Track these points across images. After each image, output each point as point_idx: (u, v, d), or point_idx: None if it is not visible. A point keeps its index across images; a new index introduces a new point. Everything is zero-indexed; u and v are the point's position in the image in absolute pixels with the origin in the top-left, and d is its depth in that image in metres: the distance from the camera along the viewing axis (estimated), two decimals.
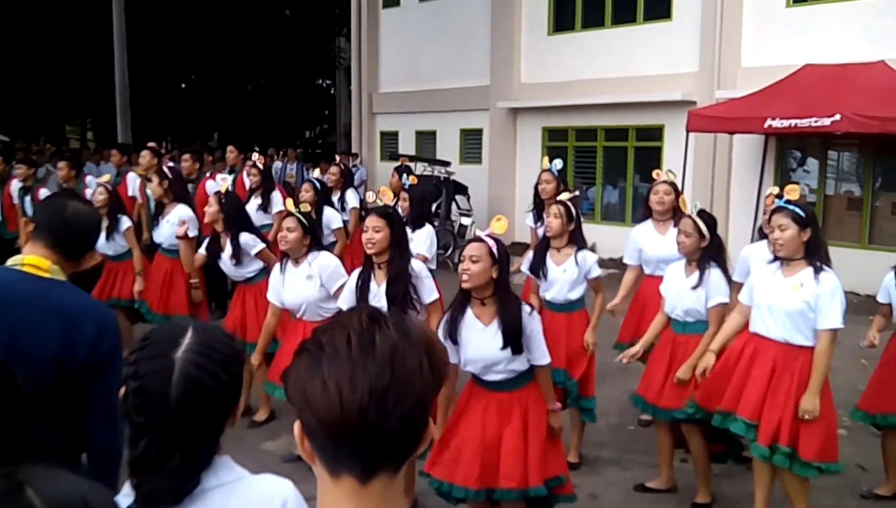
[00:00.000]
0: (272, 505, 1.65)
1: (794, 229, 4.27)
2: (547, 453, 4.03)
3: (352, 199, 8.43)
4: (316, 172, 8.19)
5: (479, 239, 3.93)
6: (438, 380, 1.21)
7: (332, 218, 7.85)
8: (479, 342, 3.92)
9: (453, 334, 3.97)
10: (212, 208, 6.17)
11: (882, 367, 5.09)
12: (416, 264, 4.75)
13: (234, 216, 6.19)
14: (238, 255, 6.09)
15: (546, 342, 4.08)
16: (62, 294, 2.56)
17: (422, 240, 6.43)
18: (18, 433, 1.71)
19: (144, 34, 22.15)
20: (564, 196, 5.53)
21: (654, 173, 6.30)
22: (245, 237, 6.11)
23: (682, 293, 4.90)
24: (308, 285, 5.27)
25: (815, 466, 4.28)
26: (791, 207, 4.32)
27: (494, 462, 3.97)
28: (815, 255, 4.29)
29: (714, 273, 4.82)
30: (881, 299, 5.15)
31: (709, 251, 4.86)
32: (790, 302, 4.27)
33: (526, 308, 3.97)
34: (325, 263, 5.28)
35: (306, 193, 7.56)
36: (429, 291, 4.71)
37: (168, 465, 1.54)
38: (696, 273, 4.84)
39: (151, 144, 9.88)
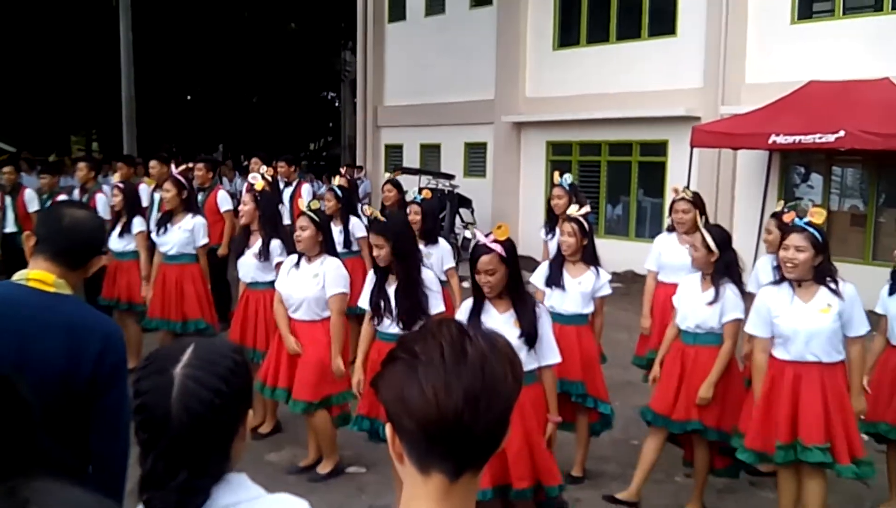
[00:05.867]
0: None
1: (811, 253, 4.28)
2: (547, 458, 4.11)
3: (358, 228, 7.75)
4: (336, 181, 8.03)
5: (486, 250, 4.02)
6: (518, 387, 1.32)
7: (356, 227, 7.70)
8: (497, 330, 3.95)
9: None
10: (248, 207, 6.21)
11: (874, 379, 5.10)
12: (427, 276, 4.83)
13: (269, 216, 6.29)
14: (267, 254, 6.14)
15: (561, 354, 4.19)
16: (68, 309, 2.56)
17: (447, 257, 6.57)
18: (22, 445, 1.71)
19: (151, 46, 22.24)
20: (573, 210, 5.55)
21: (672, 190, 6.37)
22: (275, 244, 6.16)
23: (697, 307, 4.90)
24: (312, 284, 5.35)
25: (867, 461, 4.41)
26: (811, 229, 4.32)
27: (503, 461, 3.98)
28: (826, 275, 4.34)
29: (729, 289, 4.82)
30: (879, 310, 5.17)
31: (721, 266, 4.86)
32: (823, 325, 4.31)
33: (540, 305, 4.13)
34: (332, 265, 5.37)
35: (328, 201, 7.53)
36: (434, 304, 4.78)
37: (175, 480, 1.54)
38: (712, 289, 4.84)
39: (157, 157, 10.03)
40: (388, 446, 1.33)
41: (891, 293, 5.06)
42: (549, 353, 4.13)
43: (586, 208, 5.60)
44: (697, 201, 6.04)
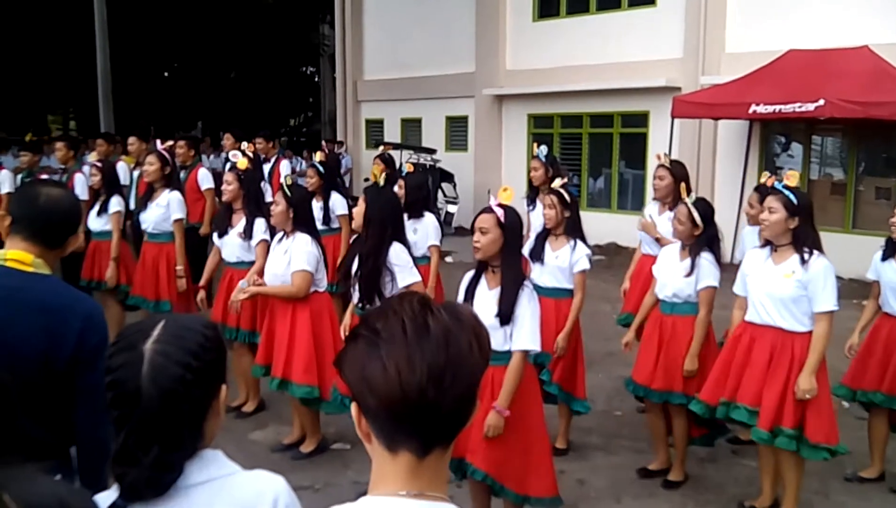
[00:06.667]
0: (263, 501, 1.64)
1: (783, 213, 4.31)
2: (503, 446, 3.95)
3: (339, 205, 7.71)
4: (318, 156, 7.94)
5: (488, 209, 3.96)
6: (486, 358, 1.30)
7: (337, 204, 7.62)
8: (481, 305, 3.93)
9: (469, 298, 4.01)
10: (231, 186, 6.15)
11: (865, 345, 5.17)
12: (394, 250, 4.69)
13: (253, 194, 6.23)
14: (250, 233, 6.09)
15: None
16: (47, 289, 2.54)
17: (432, 233, 6.49)
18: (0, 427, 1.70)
19: (127, 22, 21.94)
20: (557, 183, 5.54)
21: (656, 157, 6.40)
22: (259, 222, 6.08)
23: (674, 277, 4.96)
24: (281, 261, 5.31)
25: (824, 448, 4.34)
26: (786, 192, 4.34)
27: (464, 435, 3.93)
28: (803, 243, 4.32)
29: (704, 258, 4.86)
30: (870, 275, 5.24)
31: (701, 239, 4.91)
32: (783, 290, 4.32)
33: (528, 284, 3.96)
34: (299, 242, 5.28)
35: (310, 178, 7.47)
36: (402, 279, 4.65)
37: (147, 456, 1.54)
38: (688, 260, 4.90)
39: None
40: (355, 426, 1.30)
41: (884, 259, 5.11)
42: (524, 338, 3.86)
43: (560, 180, 5.59)
44: (677, 170, 6.04)
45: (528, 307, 3.89)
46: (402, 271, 4.66)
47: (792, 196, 4.32)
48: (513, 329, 3.88)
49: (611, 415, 6.36)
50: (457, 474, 4.11)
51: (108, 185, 7.35)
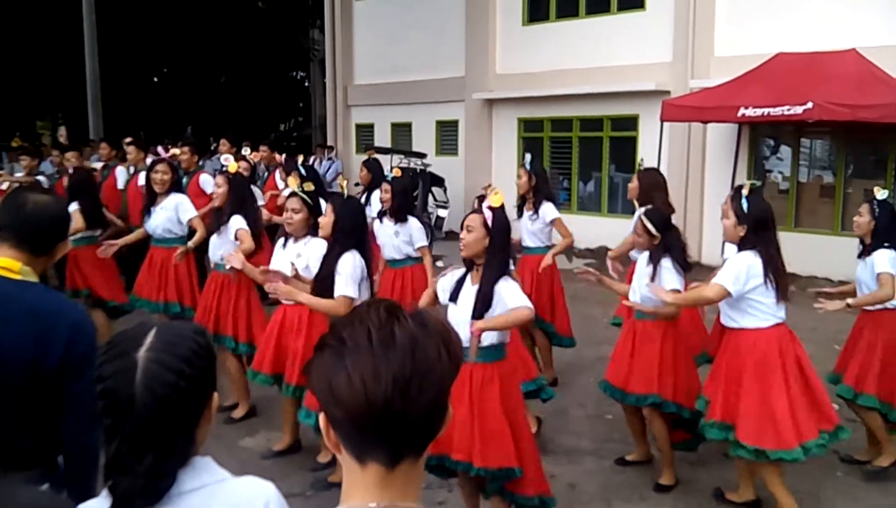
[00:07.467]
0: (254, 507, 1.64)
1: (733, 220, 4.47)
2: (495, 439, 3.97)
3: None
4: (302, 159, 8.00)
5: (477, 210, 4.09)
6: (456, 366, 1.28)
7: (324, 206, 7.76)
8: (463, 301, 4.05)
9: (454, 295, 4.11)
10: (221, 189, 6.13)
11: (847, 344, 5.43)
12: (346, 257, 4.69)
13: (238, 198, 6.18)
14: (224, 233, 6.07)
15: None
16: (35, 296, 2.53)
17: (418, 235, 6.53)
18: None
19: (115, 27, 21.88)
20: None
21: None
22: (234, 220, 6.02)
23: (642, 284, 5.07)
24: (298, 264, 5.23)
25: (751, 449, 4.36)
26: (744, 200, 4.45)
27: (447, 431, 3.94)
28: (745, 247, 4.42)
29: (664, 266, 4.96)
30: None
31: (660, 248, 5.02)
32: None
33: (506, 280, 3.99)
34: (317, 246, 5.19)
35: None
36: (340, 287, 4.63)
37: (141, 464, 1.54)
38: (651, 267, 5.02)
39: (128, 138, 9.90)
40: (323, 436, 1.29)
41: (859, 257, 5.27)
42: (519, 303, 3.89)
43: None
44: (644, 177, 6.09)
45: (508, 288, 3.94)
46: (342, 279, 4.65)
47: (744, 204, 4.41)
48: (509, 310, 3.91)
49: (601, 419, 6.36)
50: (441, 473, 4.15)
51: (71, 191, 7.24)
